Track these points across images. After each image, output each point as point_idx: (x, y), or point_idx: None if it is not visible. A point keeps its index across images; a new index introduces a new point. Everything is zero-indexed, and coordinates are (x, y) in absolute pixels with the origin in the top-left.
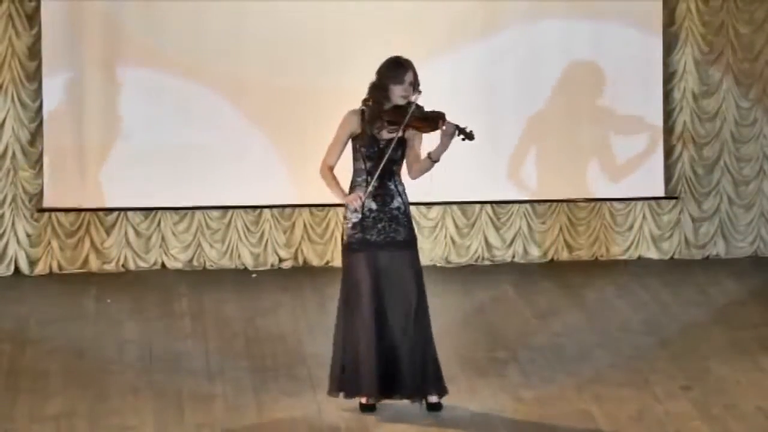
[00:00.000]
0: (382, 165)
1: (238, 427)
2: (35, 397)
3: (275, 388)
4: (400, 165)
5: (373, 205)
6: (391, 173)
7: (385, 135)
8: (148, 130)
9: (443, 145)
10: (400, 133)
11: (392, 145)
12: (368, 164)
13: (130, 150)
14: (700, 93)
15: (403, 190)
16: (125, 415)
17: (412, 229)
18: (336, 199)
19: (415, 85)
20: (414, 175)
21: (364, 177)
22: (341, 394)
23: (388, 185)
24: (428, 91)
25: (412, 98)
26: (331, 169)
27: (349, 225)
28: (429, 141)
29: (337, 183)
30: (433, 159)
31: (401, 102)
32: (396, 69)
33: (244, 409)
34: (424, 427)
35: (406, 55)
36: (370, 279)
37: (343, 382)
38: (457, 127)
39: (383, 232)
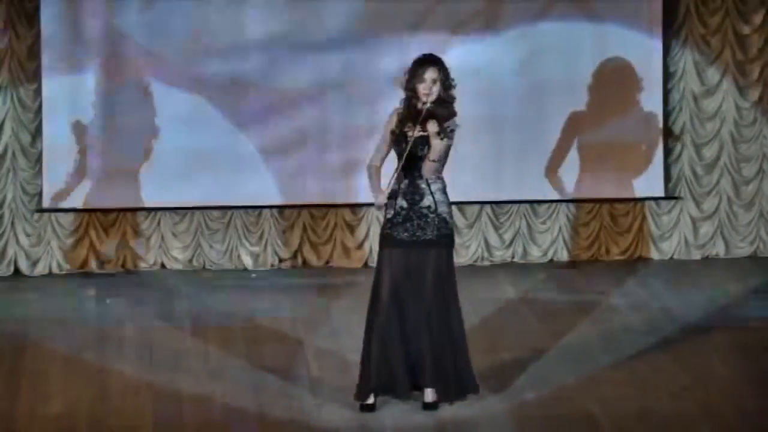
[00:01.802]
0: (402, 162)
1: (238, 427)
2: (35, 397)
3: (275, 388)
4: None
5: (404, 203)
6: (420, 171)
7: (411, 133)
8: (147, 131)
9: (432, 145)
10: (418, 131)
11: (411, 142)
12: (400, 162)
13: (129, 150)
14: (699, 93)
15: (439, 188)
16: (125, 416)
17: (443, 229)
18: (331, 200)
19: (443, 82)
20: (424, 174)
21: (398, 172)
22: (358, 397)
23: (418, 183)
24: None
25: (444, 94)
26: (377, 168)
27: (383, 221)
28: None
29: (375, 179)
30: (430, 159)
31: (425, 99)
32: (418, 67)
33: (244, 408)
34: (424, 428)
35: (405, 55)
36: (390, 278)
37: (362, 384)
38: (439, 126)
39: (409, 231)
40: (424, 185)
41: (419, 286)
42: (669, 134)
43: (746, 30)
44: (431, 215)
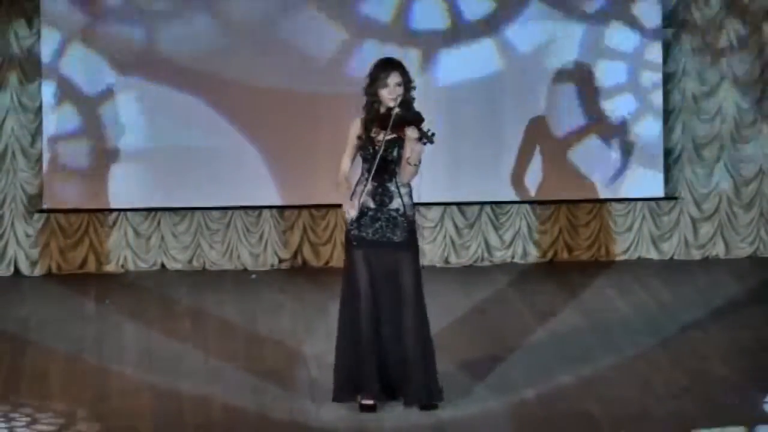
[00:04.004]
0: (375, 164)
1: (238, 427)
2: (35, 398)
3: (275, 388)
4: (399, 165)
5: (371, 204)
6: (390, 173)
7: (381, 137)
8: (147, 131)
9: (413, 150)
10: (389, 135)
11: (383, 146)
12: (366, 165)
13: (129, 151)
14: (699, 94)
15: (407, 192)
16: (125, 416)
17: (411, 232)
18: (331, 201)
19: (405, 85)
20: (403, 179)
21: (365, 176)
22: (338, 400)
23: (387, 186)
24: (428, 92)
25: (407, 97)
26: (346, 175)
27: (348, 221)
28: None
29: (347, 188)
30: (410, 163)
31: (391, 104)
32: (381, 72)
33: (244, 409)
34: (424, 428)
35: (403, 57)
36: (366, 277)
37: (341, 384)
38: (420, 131)
39: (379, 232)
40: (393, 188)
41: (396, 289)
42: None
43: (746, 30)
44: (400, 218)
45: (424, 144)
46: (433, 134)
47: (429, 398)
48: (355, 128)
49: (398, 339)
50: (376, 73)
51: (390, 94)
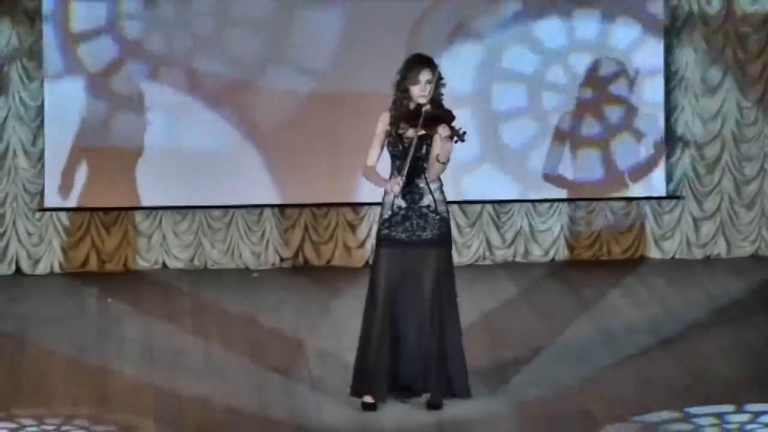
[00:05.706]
0: (408, 163)
1: (239, 426)
2: (35, 397)
3: (276, 387)
4: (427, 162)
5: (403, 203)
6: (419, 171)
7: (410, 133)
8: (148, 130)
9: (443, 148)
10: (420, 132)
11: (414, 143)
12: (396, 163)
13: (130, 149)
14: (700, 93)
15: (438, 187)
16: (125, 415)
17: (442, 228)
18: (332, 200)
19: (436, 82)
20: (431, 176)
21: (395, 174)
22: (355, 394)
23: (417, 183)
24: None
25: (436, 94)
26: (373, 168)
27: (380, 221)
28: None
29: (378, 175)
30: (440, 161)
31: (422, 101)
32: (411, 69)
33: (244, 409)
34: (424, 427)
35: (403, 54)
36: (388, 277)
37: (358, 380)
38: (452, 129)
39: (409, 230)
40: (423, 184)
41: (417, 287)
42: (672, 136)
43: (747, 29)
44: (431, 214)
45: (456, 142)
46: (464, 132)
47: (445, 395)
48: (384, 122)
49: (418, 337)
50: (407, 69)
51: (421, 91)
